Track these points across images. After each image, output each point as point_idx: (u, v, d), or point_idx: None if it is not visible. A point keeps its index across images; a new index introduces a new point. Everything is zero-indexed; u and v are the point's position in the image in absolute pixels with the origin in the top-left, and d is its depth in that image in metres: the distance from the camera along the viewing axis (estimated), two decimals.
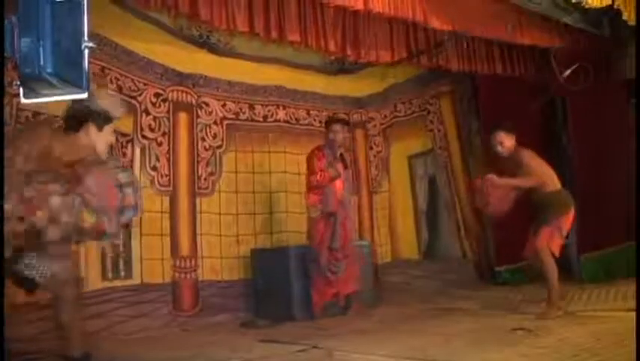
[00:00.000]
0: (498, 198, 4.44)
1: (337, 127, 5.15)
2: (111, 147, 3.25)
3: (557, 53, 5.65)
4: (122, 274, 4.82)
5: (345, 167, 5.27)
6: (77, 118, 2.80)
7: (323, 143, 5.23)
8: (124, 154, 4.98)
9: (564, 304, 4.37)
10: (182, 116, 5.50)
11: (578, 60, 5.63)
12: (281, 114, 6.34)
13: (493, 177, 4.38)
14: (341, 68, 6.77)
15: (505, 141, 4.46)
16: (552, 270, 4.25)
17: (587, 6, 4.73)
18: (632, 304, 3.89)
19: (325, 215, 4.98)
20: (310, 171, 5.04)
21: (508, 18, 5.04)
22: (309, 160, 5.09)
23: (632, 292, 4.25)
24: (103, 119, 2.84)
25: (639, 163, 4.85)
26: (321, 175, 4.96)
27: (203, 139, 5.64)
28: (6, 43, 1.85)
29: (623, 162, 5.62)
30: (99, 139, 2.86)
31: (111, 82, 4.95)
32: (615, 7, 4.79)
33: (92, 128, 2.83)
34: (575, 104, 5.99)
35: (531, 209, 4.46)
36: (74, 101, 2.75)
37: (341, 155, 5.25)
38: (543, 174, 4.39)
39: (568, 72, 5.64)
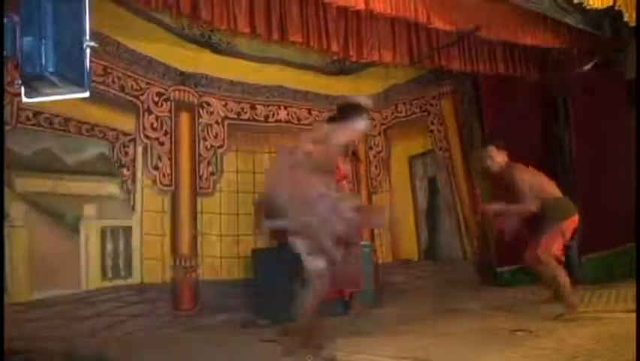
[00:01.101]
0: (504, 221, 4.51)
1: None
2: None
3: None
4: (123, 273, 4.82)
5: (360, 163, 5.26)
6: (348, 109, 3.59)
7: None
8: (126, 153, 4.99)
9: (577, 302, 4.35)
10: (184, 116, 5.50)
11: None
12: (282, 114, 6.33)
13: (488, 207, 4.56)
14: (342, 68, 6.77)
15: (496, 157, 4.49)
16: (558, 271, 4.24)
17: (588, 7, 4.73)
18: (633, 305, 3.89)
19: None
20: None
21: (509, 18, 5.04)
22: None
23: (632, 293, 4.24)
24: (361, 108, 3.59)
25: (639, 163, 4.84)
26: (336, 172, 4.96)
27: (204, 139, 5.64)
28: (8, 42, 1.84)
29: (624, 162, 5.61)
30: (360, 126, 3.56)
31: (113, 81, 4.95)
32: (616, 7, 4.79)
33: (356, 116, 3.52)
34: (577, 105, 5.98)
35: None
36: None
37: (353, 152, 5.25)
38: (540, 190, 4.35)
39: (588, 66, 5.67)
